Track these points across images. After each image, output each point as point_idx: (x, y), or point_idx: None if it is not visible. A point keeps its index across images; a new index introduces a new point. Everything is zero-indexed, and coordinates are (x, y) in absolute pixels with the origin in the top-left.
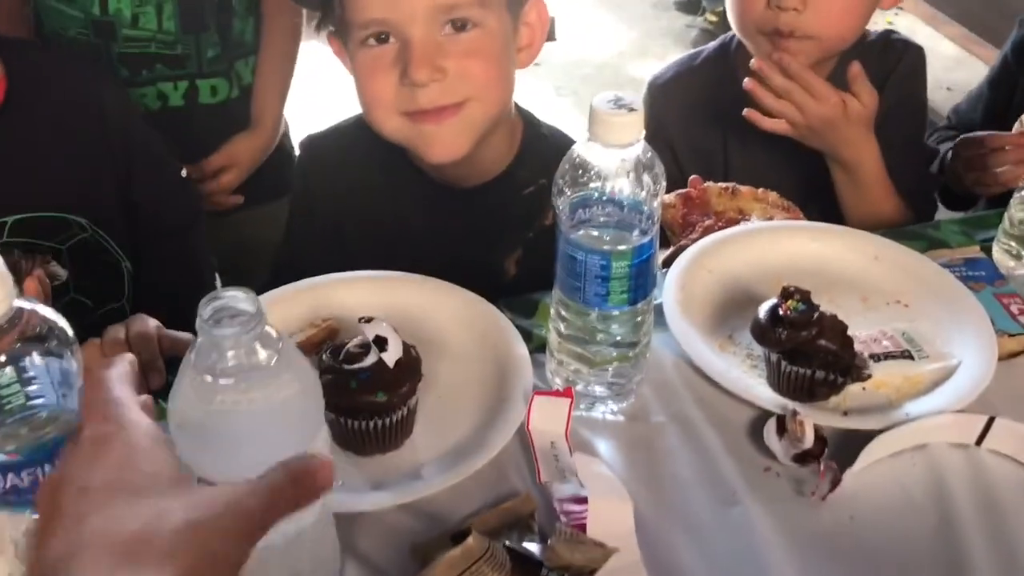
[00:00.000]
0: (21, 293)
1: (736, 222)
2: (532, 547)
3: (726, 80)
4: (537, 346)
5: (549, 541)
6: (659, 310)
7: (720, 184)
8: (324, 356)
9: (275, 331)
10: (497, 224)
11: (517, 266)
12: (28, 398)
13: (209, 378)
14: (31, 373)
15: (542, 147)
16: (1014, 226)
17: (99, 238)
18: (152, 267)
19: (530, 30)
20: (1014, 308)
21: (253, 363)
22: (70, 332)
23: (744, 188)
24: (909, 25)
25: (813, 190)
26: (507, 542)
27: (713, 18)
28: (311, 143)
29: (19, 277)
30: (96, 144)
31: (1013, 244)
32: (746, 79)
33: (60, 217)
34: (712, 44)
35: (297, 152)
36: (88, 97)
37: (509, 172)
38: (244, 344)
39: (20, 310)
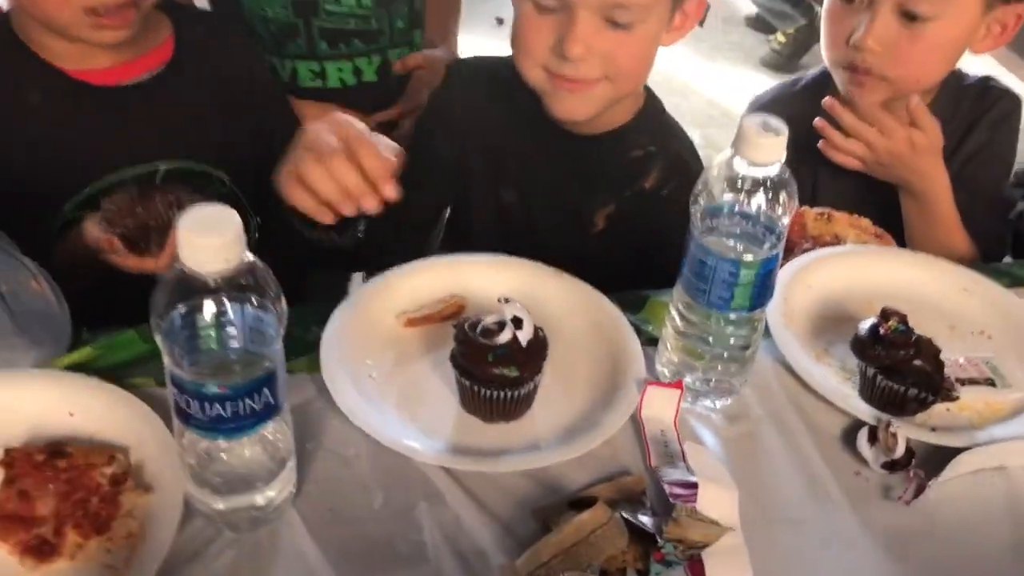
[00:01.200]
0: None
1: (831, 246)
2: (646, 520)
3: (821, 108)
4: (644, 340)
5: (672, 514)
6: None
7: (816, 209)
8: (464, 328)
9: None
10: (599, 174)
11: (606, 221)
12: (220, 341)
13: None
14: (230, 317)
15: (659, 121)
16: None
17: (235, 193)
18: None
19: (684, 17)
20: None
21: None
22: (274, 289)
23: (839, 214)
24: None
25: (899, 221)
26: (623, 514)
27: (782, 39)
28: (460, 67)
29: (183, 209)
30: (243, 108)
31: None
32: (816, 118)
33: (203, 171)
34: (813, 71)
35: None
36: (242, 65)
37: (623, 131)
38: None
39: (244, 266)
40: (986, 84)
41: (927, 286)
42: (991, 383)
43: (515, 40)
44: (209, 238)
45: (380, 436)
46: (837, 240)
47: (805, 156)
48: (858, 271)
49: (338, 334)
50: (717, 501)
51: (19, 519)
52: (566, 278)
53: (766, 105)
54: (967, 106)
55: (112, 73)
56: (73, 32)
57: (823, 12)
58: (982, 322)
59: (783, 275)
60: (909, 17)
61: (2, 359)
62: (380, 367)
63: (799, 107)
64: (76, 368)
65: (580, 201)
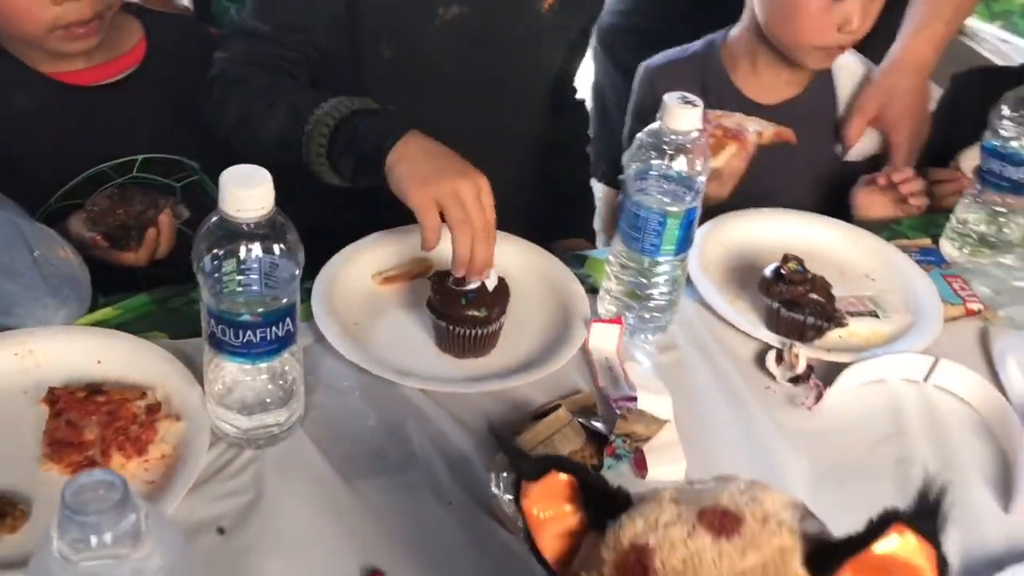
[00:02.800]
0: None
1: (737, 131)
2: (598, 425)
3: (711, 77)
4: (588, 289)
5: (620, 413)
6: None
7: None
8: (439, 277)
9: (142, 505)
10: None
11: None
12: (252, 279)
13: (72, 556)
14: (253, 272)
15: None
16: (957, 223)
17: (205, 181)
18: None
19: None
20: (956, 285)
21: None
22: (294, 237)
23: (737, 113)
24: None
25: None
26: (579, 420)
27: None
28: None
29: (158, 209)
30: None
31: (956, 238)
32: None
33: (178, 160)
34: (699, 42)
35: None
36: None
37: None
38: (108, 527)
39: (272, 216)
40: None
41: (821, 240)
42: (875, 315)
43: None
44: (247, 190)
45: (370, 368)
46: (740, 128)
47: None
48: (761, 230)
49: (324, 289)
50: (654, 405)
51: (70, 444)
52: (521, 241)
53: (660, 68)
54: None
55: (86, 74)
56: (43, 44)
57: (799, 7)
58: (867, 268)
59: (700, 234)
60: None
61: (36, 317)
62: (362, 318)
63: (691, 74)
64: (98, 325)
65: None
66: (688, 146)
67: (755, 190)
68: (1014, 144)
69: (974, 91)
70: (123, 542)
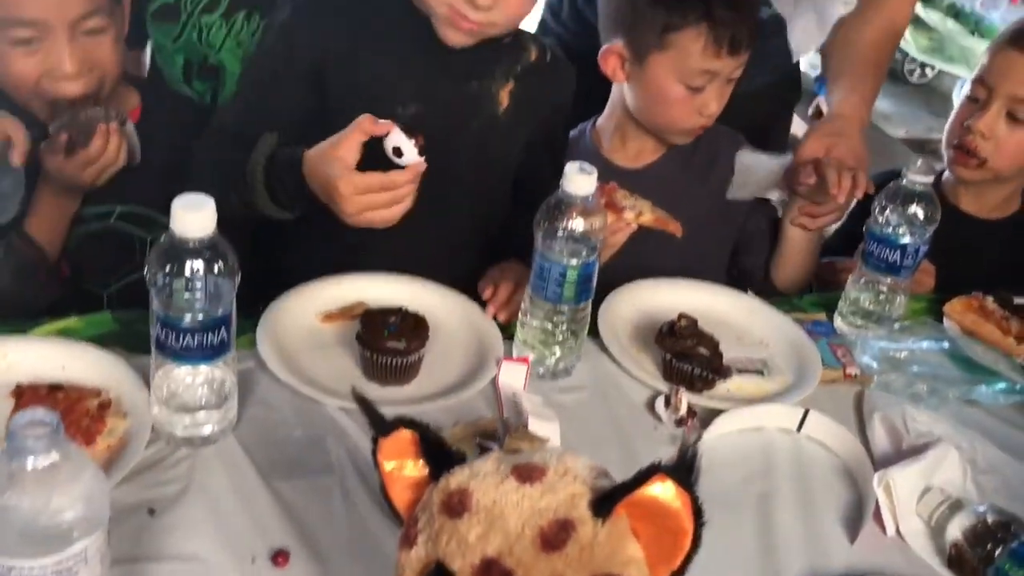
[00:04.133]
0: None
1: (617, 205)
2: (492, 444)
3: (583, 154)
4: (508, 335)
5: (510, 431)
6: (595, 325)
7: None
8: (367, 313)
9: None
10: (492, 61)
11: (510, 97)
12: (188, 297)
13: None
14: (196, 284)
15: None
16: (848, 302)
17: None
18: None
19: None
20: (839, 353)
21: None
22: (232, 258)
23: (646, 200)
24: None
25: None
26: (478, 440)
27: None
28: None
29: (112, 116)
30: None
31: (846, 314)
32: None
33: (150, 216)
34: (574, 130)
35: None
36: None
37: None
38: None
39: (213, 238)
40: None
41: (724, 309)
42: (761, 373)
43: None
44: (193, 213)
45: (298, 387)
46: (631, 207)
47: None
48: (672, 295)
49: (272, 321)
50: (542, 428)
51: None
52: (450, 291)
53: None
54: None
55: None
56: (43, 118)
57: (666, 99)
58: (762, 334)
59: (612, 296)
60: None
61: None
62: (301, 348)
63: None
64: (64, 333)
65: (480, 88)
66: (585, 207)
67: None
68: (889, 231)
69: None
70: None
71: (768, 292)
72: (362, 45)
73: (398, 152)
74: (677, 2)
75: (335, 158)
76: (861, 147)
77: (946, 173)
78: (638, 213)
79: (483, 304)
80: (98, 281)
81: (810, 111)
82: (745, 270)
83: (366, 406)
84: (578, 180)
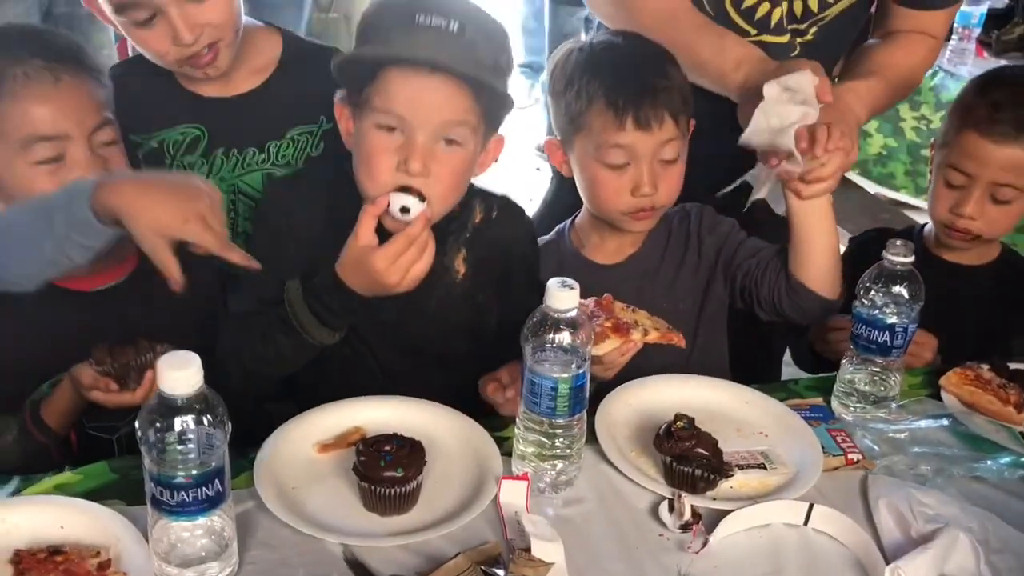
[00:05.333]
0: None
1: (623, 327)
2: (499, 572)
3: (564, 254)
4: (505, 451)
5: (513, 558)
6: (594, 429)
7: (624, 304)
8: (362, 444)
9: None
10: (444, 232)
11: (465, 264)
12: (181, 454)
13: None
14: (188, 436)
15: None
16: (843, 384)
17: None
18: None
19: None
20: (839, 439)
21: None
22: (221, 410)
23: (641, 311)
24: None
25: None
26: (483, 568)
27: None
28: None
29: (155, 353)
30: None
31: (842, 396)
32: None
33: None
34: (553, 232)
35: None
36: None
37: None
38: None
39: (201, 391)
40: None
41: (721, 401)
42: (763, 467)
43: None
44: (180, 371)
45: (299, 527)
46: (634, 324)
47: None
48: (668, 392)
49: (268, 457)
50: (545, 551)
51: None
52: (442, 408)
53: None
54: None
55: (86, 281)
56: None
57: (593, 180)
58: (761, 425)
59: (609, 398)
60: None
61: None
62: (300, 482)
63: (547, 257)
64: (61, 488)
65: (436, 265)
66: (570, 321)
67: None
68: (875, 312)
69: (869, 250)
70: None
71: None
72: (336, 228)
73: (405, 210)
74: (584, 83)
75: (360, 247)
76: (852, 130)
77: (928, 226)
78: (643, 332)
79: (479, 416)
80: (106, 427)
81: None
82: (764, 299)
83: (357, 568)
84: (561, 296)
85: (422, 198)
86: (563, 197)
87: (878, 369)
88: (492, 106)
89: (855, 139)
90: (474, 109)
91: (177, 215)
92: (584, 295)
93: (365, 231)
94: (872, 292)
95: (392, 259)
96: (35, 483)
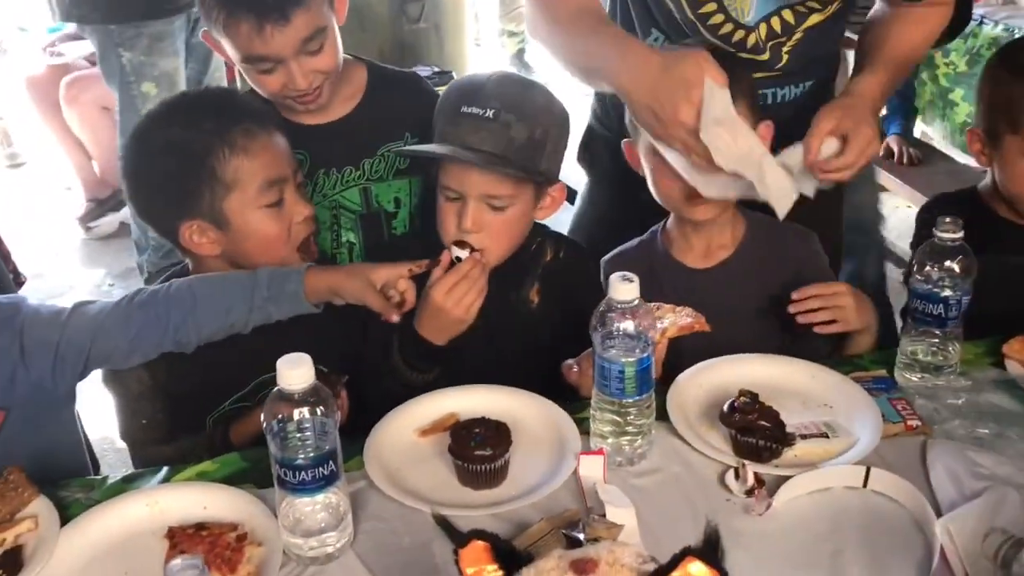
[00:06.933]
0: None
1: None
2: (578, 535)
3: (656, 256)
4: (583, 430)
5: (587, 522)
6: (665, 408)
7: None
8: (455, 427)
9: None
10: (523, 269)
11: (538, 295)
12: (299, 440)
13: None
14: (304, 425)
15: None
16: (904, 355)
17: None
18: None
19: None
20: (899, 407)
21: None
22: (332, 402)
23: (668, 305)
24: None
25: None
26: (563, 531)
27: None
28: None
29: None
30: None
31: (904, 368)
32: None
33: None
34: (647, 233)
35: None
36: None
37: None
38: None
39: (314, 386)
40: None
41: (785, 376)
42: (825, 436)
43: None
44: (294, 369)
45: (403, 500)
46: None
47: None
48: (736, 371)
49: (375, 443)
50: (617, 515)
51: None
52: (526, 393)
53: (612, 260)
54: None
55: None
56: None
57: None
58: (825, 397)
59: (682, 378)
60: None
61: None
62: (403, 464)
63: (637, 259)
64: (202, 476)
65: (517, 293)
66: (631, 311)
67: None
68: (929, 287)
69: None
70: None
71: None
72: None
73: (458, 259)
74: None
75: (426, 291)
76: (869, 123)
77: (983, 182)
78: (662, 331)
79: (559, 398)
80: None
81: (880, 152)
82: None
83: (445, 525)
84: (622, 288)
85: (473, 249)
86: (593, 206)
87: (936, 340)
88: (531, 173)
89: (874, 129)
90: (509, 180)
91: (362, 287)
92: (674, 297)
93: (433, 279)
94: (927, 268)
95: (446, 289)
96: (180, 471)
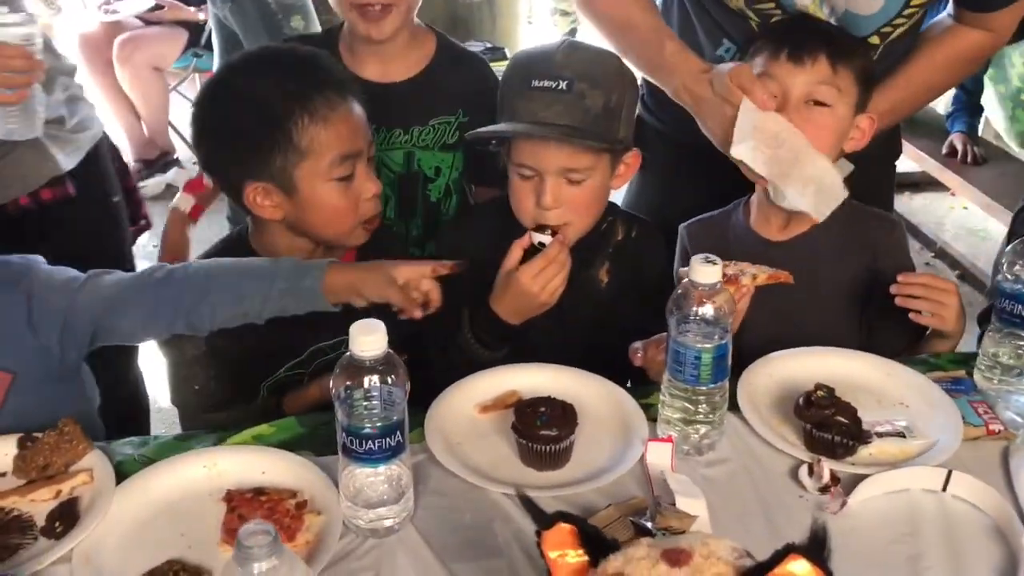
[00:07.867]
0: None
1: (731, 278)
2: (646, 523)
3: (735, 226)
4: (651, 416)
5: (659, 511)
6: (736, 399)
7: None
8: (520, 406)
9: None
10: (594, 249)
11: (608, 275)
12: (366, 409)
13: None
14: (373, 393)
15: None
16: (986, 357)
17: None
18: None
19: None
20: (980, 410)
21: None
22: (402, 371)
23: (745, 262)
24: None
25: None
26: (631, 519)
27: None
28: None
29: None
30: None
31: (985, 369)
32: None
33: None
34: (731, 204)
35: None
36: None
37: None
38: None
39: (386, 355)
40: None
41: (860, 372)
42: (902, 435)
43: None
44: (368, 336)
45: (466, 476)
46: (740, 273)
47: None
48: (808, 364)
49: (436, 416)
50: (689, 505)
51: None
52: (590, 375)
53: (692, 227)
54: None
55: None
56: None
57: None
58: (901, 395)
59: (752, 367)
60: None
61: None
62: (464, 439)
63: (717, 227)
64: (258, 439)
65: (585, 275)
66: (712, 295)
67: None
68: (1018, 287)
69: None
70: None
71: None
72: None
73: (542, 244)
74: None
75: (507, 272)
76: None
77: None
78: (752, 276)
79: (626, 382)
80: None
81: (944, 149)
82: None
83: (529, 504)
84: (704, 270)
85: (554, 233)
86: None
87: (1022, 342)
88: (610, 143)
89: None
90: (587, 152)
91: (384, 283)
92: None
93: (512, 259)
94: (1016, 267)
95: (534, 273)
96: (236, 434)
